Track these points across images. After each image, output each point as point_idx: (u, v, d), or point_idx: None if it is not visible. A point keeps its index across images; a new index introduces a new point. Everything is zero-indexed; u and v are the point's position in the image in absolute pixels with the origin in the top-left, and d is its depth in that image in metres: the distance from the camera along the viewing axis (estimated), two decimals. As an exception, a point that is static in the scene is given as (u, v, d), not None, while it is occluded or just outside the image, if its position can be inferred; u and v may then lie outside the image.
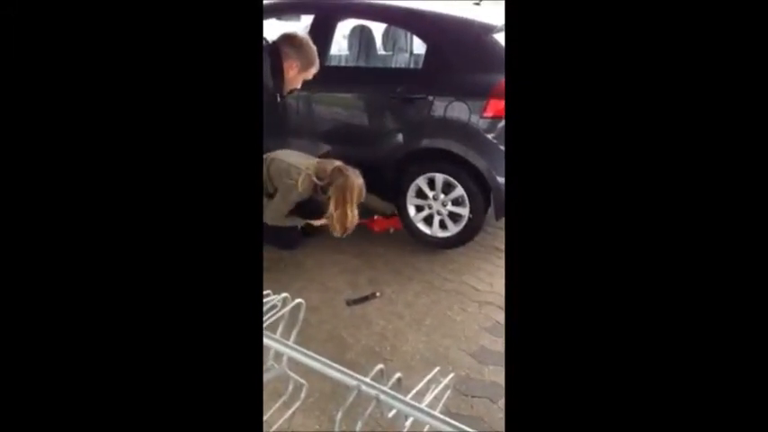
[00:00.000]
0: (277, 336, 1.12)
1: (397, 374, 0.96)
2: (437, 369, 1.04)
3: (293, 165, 2.25)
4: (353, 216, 2.25)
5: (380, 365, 0.97)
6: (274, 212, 2.29)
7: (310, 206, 2.32)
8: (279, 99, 1.95)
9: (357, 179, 2.24)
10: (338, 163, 2.28)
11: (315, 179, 2.22)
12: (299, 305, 1.18)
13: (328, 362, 0.96)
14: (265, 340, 0.99)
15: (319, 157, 2.44)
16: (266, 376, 1.15)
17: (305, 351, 0.98)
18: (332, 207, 2.22)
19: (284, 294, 1.23)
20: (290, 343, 1.00)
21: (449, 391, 0.99)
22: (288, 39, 1.86)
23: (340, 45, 3.01)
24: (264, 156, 2.40)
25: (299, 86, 1.94)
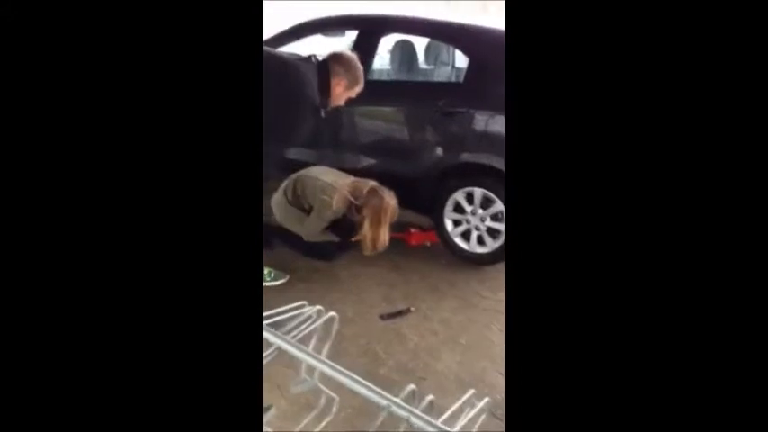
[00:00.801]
0: (310, 349, 1.12)
1: (430, 396, 0.94)
2: (472, 392, 1.01)
3: (329, 183, 2.28)
4: (385, 237, 2.24)
5: (412, 386, 0.95)
6: (310, 228, 2.33)
7: (344, 225, 2.34)
8: (323, 114, 2.00)
9: (391, 200, 2.23)
10: (373, 183, 2.28)
11: (350, 198, 2.24)
12: (332, 318, 1.18)
13: (360, 379, 0.94)
14: (298, 353, 0.99)
15: (358, 171, 2.47)
16: (298, 389, 1.15)
17: (337, 367, 0.97)
18: (365, 227, 2.22)
19: (318, 306, 1.23)
20: (322, 357, 0.99)
21: (484, 416, 0.95)
22: (337, 57, 1.92)
23: (382, 59, 3.04)
24: (293, 175, 2.46)
25: (342, 103, 1.99)
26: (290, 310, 1.23)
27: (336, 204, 2.21)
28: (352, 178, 2.36)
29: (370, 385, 0.90)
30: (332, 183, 2.27)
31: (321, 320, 1.15)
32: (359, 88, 1.95)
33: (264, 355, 0.98)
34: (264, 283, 2.22)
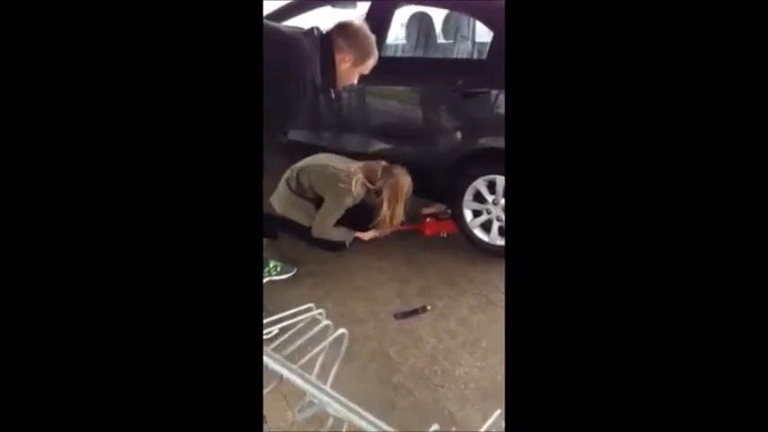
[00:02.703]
0: (317, 366, 0.98)
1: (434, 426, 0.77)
2: (498, 413, 0.86)
3: (343, 170, 2.14)
4: (401, 212, 2.17)
5: (435, 426, 0.80)
6: (324, 222, 2.19)
7: (360, 211, 2.20)
8: (333, 95, 1.81)
9: (406, 177, 2.16)
10: (384, 163, 2.18)
11: (367, 183, 2.13)
12: (342, 336, 1.03)
13: (368, 416, 0.79)
14: (303, 384, 0.85)
15: (367, 155, 2.31)
16: (304, 414, 1.01)
17: (343, 400, 0.83)
18: (385, 207, 2.14)
19: (324, 321, 1.10)
20: (327, 389, 0.85)
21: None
22: (341, 28, 1.65)
23: (397, 34, 2.82)
24: (297, 164, 2.31)
25: (355, 81, 1.73)
26: (296, 314, 1.10)
27: (356, 191, 2.09)
28: (361, 162, 2.21)
29: (379, 423, 0.76)
30: (345, 169, 2.13)
31: (329, 341, 1.00)
32: (372, 61, 1.69)
33: (266, 390, 0.85)
34: (271, 278, 2.08)
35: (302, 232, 2.30)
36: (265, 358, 0.91)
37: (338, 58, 1.61)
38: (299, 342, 1.00)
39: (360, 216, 2.25)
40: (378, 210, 2.16)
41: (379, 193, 2.14)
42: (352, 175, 2.09)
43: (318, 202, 2.24)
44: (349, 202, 2.11)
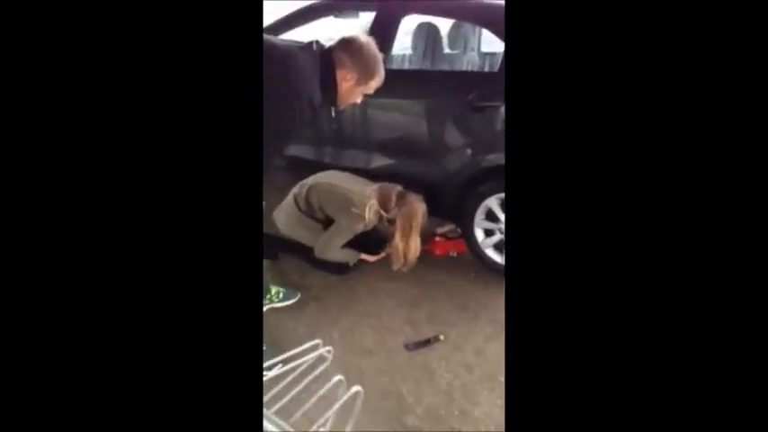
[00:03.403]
0: (329, 424, 0.86)
1: None
2: None
3: (355, 192, 2.03)
4: (417, 247, 2.03)
5: None
6: (329, 244, 2.08)
7: (370, 237, 2.10)
8: (333, 114, 1.67)
9: (421, 205, 2.03)
10: (399, 188, 2.06)
11: (381, 210, 2.02)
12: (356, 395, 0.91)
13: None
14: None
15: (370, 172, 2.21)
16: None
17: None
18: (397, 237, 2.00)
19: (327, 348, 1.03)
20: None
21: None
22: (344, 44, 1.49)
23: (402, 44, 2.71)
24: (301, 182, 2.20)
25: (358, 101, 1.58)
26: (300, 354, 0.99)
27: (369, 217, 1.98)
28: (374, 184, 2.10)
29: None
30: (359, 192, 2.02)
31: (342, 401, 0.88)
32: (376, 83, 1.54)
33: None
34: (273, 305, 1.96)
35: (305, 253, 2.19)
36: (265, 423, 0.79)
37: (340, 75, 1.47)
38: (309, 402, 0.88)
39: (368, 242, 2.16)
40: (389, 239, 2.06)
41: (392, 222, 2.02)
42: (366, 200, 1.99)
43: (327, 222, 2.13)
44: (360, 228, 2.02)
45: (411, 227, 1.99)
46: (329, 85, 1.47)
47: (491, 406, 1.51)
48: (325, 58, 1.46)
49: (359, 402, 0.91)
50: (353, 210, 1.98)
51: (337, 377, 0.93)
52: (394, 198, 2.03)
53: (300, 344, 1.03)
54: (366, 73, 1.50)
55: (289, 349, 1.03)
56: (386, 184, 2.09)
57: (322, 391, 0.91)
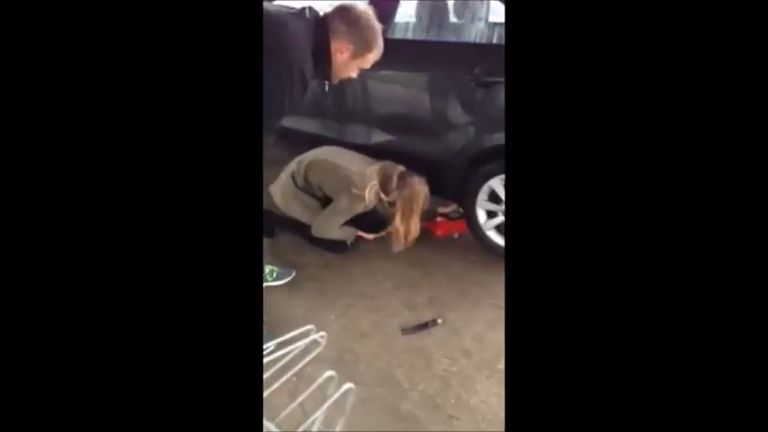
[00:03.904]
0: (320, 414, 0.82)
1: None
2: None
3: (356, 172, 1.96)
4: (416, 228, 1.98)
5: None
6: (327, 223, 2.03)
7: (369, 218, 2.03)
8: (326, 88, 1.56)
9: (423, 187, 1.97)
10: (402, 168, 1.99)
11: (381, 192, 1.97)
12: (349, 391, 0.86)
13: None
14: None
15: (370, 148, 2.12)
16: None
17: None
18: (397, 219, 1.96)
19: (321, 333, 0.98)
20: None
21: None
22: (341, 11, 1.36)
23: (405, 10, 2.56)
24: (299, 158, 2.11)
25: (354, 75, 1.46)
26: (293, 339, 0.95)
27: (369, 198, 1.93)
28: (376, 163, 2.02)
29: None
30: (360, 172, 1.95)
31: (336, 396, 0.83)
32: (373, 56, 1.42)
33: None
34: (267, 284, 1.91)
35: (303, 230, 2.13)
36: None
37: (335, 47, 1.35)
38: (297, 401, 0.83)
39: (367, 222, 2.10)
40: (388, 220, 2.00)
41: (392, 203, 1.97)
42: (367, 181, 1.92)
43: (326, 201, 2.07)
44: (360, 209, 1.97)
45: (412, 209, 1.95)
46: (323, 57, 1.36)
47: (488, 394, 1.47)
48: (320, 28, 1.35)
49: (351, 400, 0.86)
50: (353, 190, 1.93)
51: (328, 373, 0.88)
52: (395, 179, 1.97)
53: (294, 325, 0.99)
54: (363, 45, 1.39)
55: (281, 330, 0.98)
56: (388, 164, 2.02)
57: (313, 387, 0.86)
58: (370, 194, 1.93)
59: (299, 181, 2.07)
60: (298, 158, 2.15)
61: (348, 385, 0.85)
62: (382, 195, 1.97)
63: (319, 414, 0.81)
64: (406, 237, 1.98)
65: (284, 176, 2.14)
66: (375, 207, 2.02)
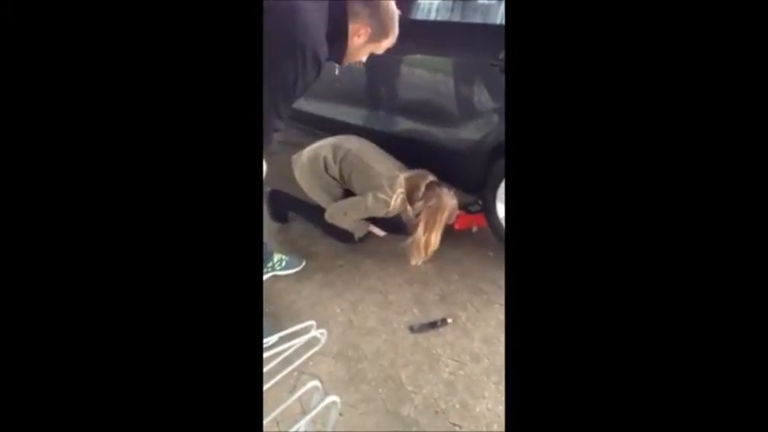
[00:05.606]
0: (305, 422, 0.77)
1: None
2: None
3: (386, 176, 1.90)
4: (437, 241, 1.91)
5: None
6: (344, 213, 1.97)
7: (390, 222, 1.98)
8: (336, 72, 1.46)
9: (451, 200, 1.90)
10: (431, 178, 1.92)
11: (407, 204, 1.90)
12: (332, 404, 0.80)
13: None
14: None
15: (391, 136, 2.03)
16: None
17: None
18: (420, 230, 1.88)
19: (321, 330, 0.92)
20: None
21: None
22: None
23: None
24: (335, 142, 2.04)
25: (363, 59, 1.39)
26: (294, 334, 0.92)
27: (394, 206, 1.88)
28: (406, 170, 1.96)
29: None
30: (391, 177, 1.89)
31: (320, 407, 0.78)
32: (388, 42, 1.36)
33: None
34: (275, 273, 1.88)
35: (315, 214, 2.09)
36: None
37: (352, 29, 1.28)
38: (278, 409, 0.78)
39: (384, 221, 2.04)
40: (411, 229, 1.94)
41: (417, 213, 1.90)
42: (395, 188, 1.87)
43: (349, 192, 2.02)
44: (381, 213, 1.92)
45: (435, 221, 1.88)
46: (338, 39, 1.28)
47: (496, 402, 1.39)
48: (337, 8, 1.27)
49: (333, 415, 0.80)
50: (380, 195, 1.88)
51: (312, 383, 0.82)
52: (423, 188, 1.89)
53: (298, 317, 0.94)
54: (381, 30, 1.32)
55: (286, 321, 0.93)
56: (417, 173, 1.95)
57: (295, 397, 0.81)
58: (396, 202, 1.87)
59: (331, 169, 2.02)
60: (332, 142, 2.06)
61: (332, 398, 0.79)
62: (408, 206, 1.90)
63: (301, 425, 0.76)
64: (426, 249, 1.90)
65: (312, 156, 2.07)
66: (398, 213, 1.97)
